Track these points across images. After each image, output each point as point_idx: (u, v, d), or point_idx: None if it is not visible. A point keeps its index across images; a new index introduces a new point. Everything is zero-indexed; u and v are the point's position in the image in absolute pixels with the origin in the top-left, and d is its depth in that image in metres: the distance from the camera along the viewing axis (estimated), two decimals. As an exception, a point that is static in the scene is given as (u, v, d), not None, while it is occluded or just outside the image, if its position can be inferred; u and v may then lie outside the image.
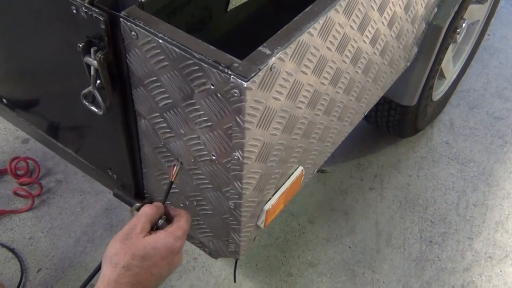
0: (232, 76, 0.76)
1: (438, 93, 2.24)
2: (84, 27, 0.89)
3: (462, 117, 2.45)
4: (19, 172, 2.04)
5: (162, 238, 0.87)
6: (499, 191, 2.14)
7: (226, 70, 0.77)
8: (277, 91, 0.86)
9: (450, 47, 1.99)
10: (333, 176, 2.16)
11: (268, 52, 0.81)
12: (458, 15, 1.71)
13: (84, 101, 0.99)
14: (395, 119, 2.02)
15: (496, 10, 2.36)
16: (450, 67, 2.25)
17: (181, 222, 0.91)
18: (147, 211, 0.90)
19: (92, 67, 0.91)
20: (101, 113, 0.98)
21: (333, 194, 2.10)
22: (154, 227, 0.91)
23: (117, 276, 0.82)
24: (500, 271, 1.88)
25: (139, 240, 0.85)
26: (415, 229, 1.99)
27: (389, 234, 1.97)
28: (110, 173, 1.23)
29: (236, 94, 0.78)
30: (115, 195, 1.25)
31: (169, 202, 1.02)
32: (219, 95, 0.81)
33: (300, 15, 0.90)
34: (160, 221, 0.92)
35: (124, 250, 0.84)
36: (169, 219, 0.94)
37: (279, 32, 0.86)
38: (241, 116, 0.81)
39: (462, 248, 1.95)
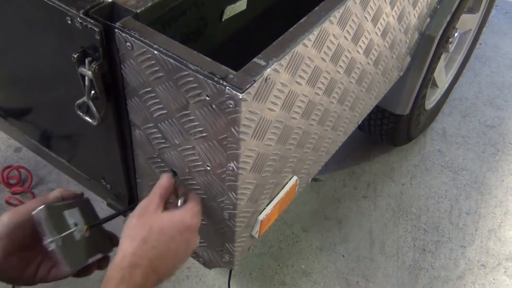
0: (227, 87, 0.76)
1: (430, 102, 2.26)
2: (78, 38, 0.89)
3: (455, 126, 2.47)
4: (11, 181, 2.03)
5: (179, 213, 0.88)
6: (492, 199, 2.15)
7: (221, 82, 0.77)
8: (272, 102, 0.86)
9: (443, 57, 2.01)
10: (327, 185, 2.17)
11: (263, 63, 0.81)
12: (450, 25, 1.73)
13: (78, 111, 0.99)
14: (388, 128, 2.03)
15: (488, 19, 2.39)
16: (443, 76, 2.26)
17: (196, 201, 0.92)
18: (164, 184, 0.91)
19: (86, 78, 0.91)
20: (95, 123, 0.97)
21: (327, 202, 2.10)
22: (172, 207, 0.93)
23: (135, 249, 0.81)
24: (493, 279, 1.89)
25: (156, 215, 0.85)
26: (408, 238, 2.00)
27: (382, 242, 1.98)
28: (104, 183, 1.23)
29: (231, 105, 0.78)
30: (109, 205, 1.24)
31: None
32: (214, 106, 0.81)
33: (294, 26, 0.90)
34: (179, 201, 0.93)
35: (141, 224, 0.84)
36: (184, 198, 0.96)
37: (274, 43, 0.86)
38: (236, 127, 0.81)
39: (455, 256, 1.95)
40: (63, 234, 0.85)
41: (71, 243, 0.87)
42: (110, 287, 0.78)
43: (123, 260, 0.80)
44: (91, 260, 0.90)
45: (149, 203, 0.87)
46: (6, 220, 0.84)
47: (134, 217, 0.86)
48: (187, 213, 0.88)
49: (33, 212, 0.85)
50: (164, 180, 0.92)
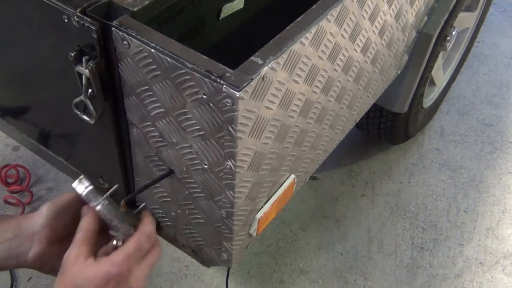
0: (224, 86, 0.76)
1: (428, 100, 2.26)
2: (75, 36, 0.89)
3: (453, 124, 2.47)
4: (9, 180, 2.03)
5: (95, 265, 0.81)
6: (490, 197, 2.16)
7: (218, 80, 0.77)
8: (269, 101, 0.86)
9: (440, 55, 2.01)
10: (325, 183, 2.17)
11: (260, 61, 0.81)
12: (448, 23, 1.73)
13: (76, 110, 0.99)
14: (386, 126, 2.03)
15: (485, 17, 2.39)
16: (440, 74, 2.27)
17: (128, 244, 0.86)
18: (86, 227, 0.85)
19: (83, 76, 0.90)
20: (92, 122, 0.97)
21: (325, 201, 2.11)
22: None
23: None
24: (491, 277, 1.89)
25: (72, 270, 0.80)
26: (406, 236, 2.00)
27: (380, 240, 1.98)
28: (102, 182, 1.22)
29: (228, 104, 0.78)
30: (107, 203, 1.24)
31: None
32: (211, 104, 0.81)
33: (292, 24, 0.90)
34: (117, 242, 0.89)
35: (59, 284, 0.80)
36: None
37: (271, 41, 0.86)
38: (233, 125, 0.81)
39: (453, 254, 1.95)
40: (106, 194, 0.89)
41: (115, 208, 0.90)
42: None
43: None
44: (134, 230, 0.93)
45: (68, 255, 0.81)
46: (46, 211, 0.88)
47: (57, 280, 0.81)
48: (106, 265, 0.81)
49: (73, 184, 0.87)
50: (86, 222, 0.86)
